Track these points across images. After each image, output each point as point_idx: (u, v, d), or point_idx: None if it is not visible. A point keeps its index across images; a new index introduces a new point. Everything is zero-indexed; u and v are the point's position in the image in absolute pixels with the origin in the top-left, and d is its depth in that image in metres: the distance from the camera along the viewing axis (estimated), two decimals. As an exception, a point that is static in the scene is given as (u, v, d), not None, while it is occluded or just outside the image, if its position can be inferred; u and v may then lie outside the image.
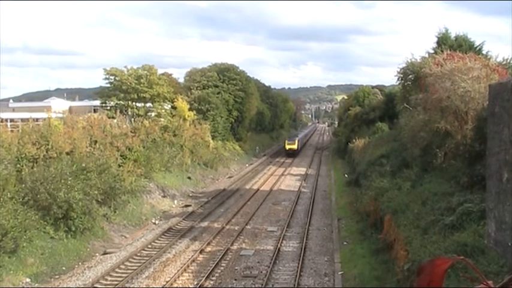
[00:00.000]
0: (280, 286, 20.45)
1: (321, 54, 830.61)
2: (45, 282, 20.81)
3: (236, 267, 22.63)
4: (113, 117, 41.95)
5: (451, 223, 16.41)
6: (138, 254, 24.69)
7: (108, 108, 48.78)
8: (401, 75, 35.07)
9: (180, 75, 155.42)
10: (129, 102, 48.72)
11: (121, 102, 48.20)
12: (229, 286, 20.46)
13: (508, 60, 30.35)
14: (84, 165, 27.93)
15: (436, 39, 36.44)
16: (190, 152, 48.39)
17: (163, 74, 54.91)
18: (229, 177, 52.19)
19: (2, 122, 35.11)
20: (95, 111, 49.52)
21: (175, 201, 37.78)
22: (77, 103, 73.20)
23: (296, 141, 74.69)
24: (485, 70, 23.24)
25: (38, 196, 23.72)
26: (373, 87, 78.16)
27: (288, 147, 73.17)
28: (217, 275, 21.68)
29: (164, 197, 37.57)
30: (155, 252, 24.78)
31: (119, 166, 32.28)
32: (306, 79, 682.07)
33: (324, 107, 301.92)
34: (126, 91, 47.49)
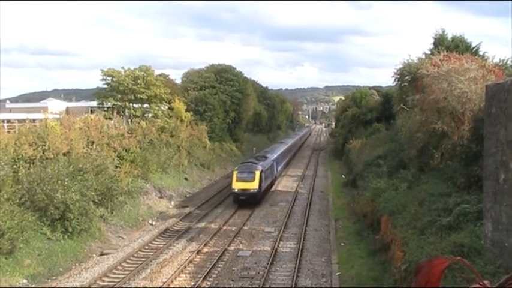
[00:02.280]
0: (278, 287, 20.45)
1: (318, 55, 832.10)
2: (42, 283, 20.76)
3: (233, 268, 22.63)
4: (110, 118, 41.88)
5: (447, 224, 16.44)
6: (135, 255, 24.67)
7: (105, 109, 48.65)
8: (398, 76, 35.13)
9: (176, 76, 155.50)
10: (126, 103, 48.59)
11: (118, 103, 48.08)
12: (227, 287, 20.45)
13: (505, 61, 30.43)
14: (81, 166, 27.88)
15: (432, 40, 36.54)
16: (187, 153, 48.38)
17: (160, 75, 54.83)
18: (227, 177, 52.20)
19: (-2, 122, 35.03)
20: (91, 112, 49.36)
21: (172, 202, 37.75)
22: (73, 104, 73.01)
23: (257, 174, 36.80)
24: (481, 71, 23.31)
25: (35, 197, 23.68)
26: (370, 88, 78.13)
27: (237, 186, 36.36)
28: (214, 275, 21.68)
29: (161, 197, 37.54)
30: (152, 253, 24.76)
31: (116, 167, 32.22)
32: (303, 80, 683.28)
33: (321, 108, 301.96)
34: (123, 92, 47.39)
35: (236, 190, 36.36)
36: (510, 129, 2.86)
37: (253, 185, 36.36)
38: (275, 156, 48.20)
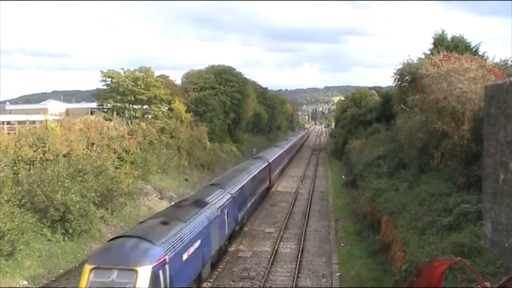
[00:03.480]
0: (278, 287, 20.44)
1: (317, 56, 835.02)
2: (43, 284, 20.75)
3: (234, 269, 22.61)
4: (110, 120, 41.84)
5: (448, 224, 16.42)
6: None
7: (105, 110, 48.65)
8: (398, 76, 35.13)
9: (176, 77, 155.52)
10: (126, 104, 48.58)
11: (118, 104, 48.08)
12: (227, 287, 20.44)
13: (505, 61, 30.40)
14: (81, 167, 27.88)
15: (432, 40, 36.53)
16: (187, 154, 48.33)
17: (160, 76, 54.83)
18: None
19: (-2, 124, 35.03)
20: (91, 113, 49.39)
21: (173, 203, 37.67)
22: (73, 105, 73.04)
23: (142, 276, 13.02)
24: (481, 71, 23.28)
25: (35, 198, 23.64)
26: (370, 88, 78.24)
27: None
28: (214, 276, 21.65)
29: (161, 199, 37.49)
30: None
31: (116, 168, 32.21)
32: (303, 80, 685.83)
33: (321, 108, 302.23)
34: (123, 93, 47.39)
35: None
36: (509, 129, 2.86)
37: None
38: (230, 195, 25.70)
